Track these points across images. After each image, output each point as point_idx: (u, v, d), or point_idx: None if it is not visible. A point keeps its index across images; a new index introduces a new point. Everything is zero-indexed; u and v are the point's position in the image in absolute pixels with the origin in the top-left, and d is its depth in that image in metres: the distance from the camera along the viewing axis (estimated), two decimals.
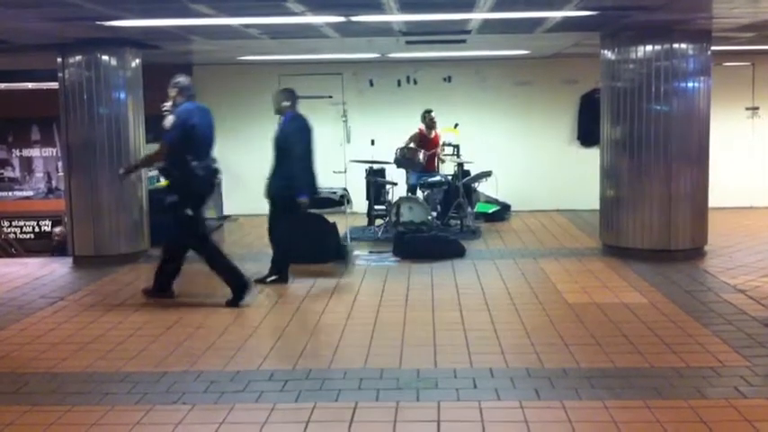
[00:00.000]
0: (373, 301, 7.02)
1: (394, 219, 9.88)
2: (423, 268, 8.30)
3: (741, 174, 12.39)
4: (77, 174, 8.84)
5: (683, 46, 8.37)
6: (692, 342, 5.61)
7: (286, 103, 7.59)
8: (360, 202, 11.00)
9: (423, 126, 11.03)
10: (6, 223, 12.90)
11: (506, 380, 4.86)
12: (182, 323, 6.33)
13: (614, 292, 7.16)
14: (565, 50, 10.97)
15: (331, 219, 8.84)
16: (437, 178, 10.61)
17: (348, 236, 9.43)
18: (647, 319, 6.19)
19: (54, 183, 13.13)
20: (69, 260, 9.01)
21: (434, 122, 11.03)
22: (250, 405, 4.54)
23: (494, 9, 6.77)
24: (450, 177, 10.79)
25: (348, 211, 9.66)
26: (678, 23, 8.07)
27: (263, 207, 7.80)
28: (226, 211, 12.03)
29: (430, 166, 10.84)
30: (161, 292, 7.04)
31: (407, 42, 9.40)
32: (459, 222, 10.63)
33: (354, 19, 7.19)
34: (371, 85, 12.59)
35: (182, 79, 6.90)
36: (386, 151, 10.86)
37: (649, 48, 8.39)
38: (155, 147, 7.22)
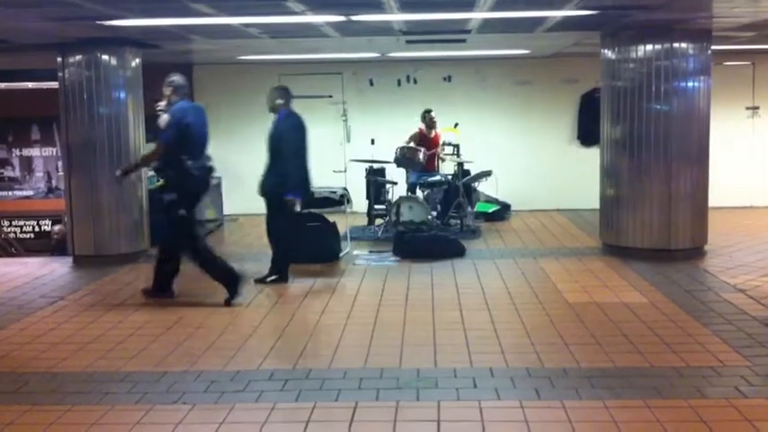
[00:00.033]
0: (373, 300, 7.02)
1: (394, 218, 9.88)
2: (423, 268, 8.30)
3: (741, 173, 12.38)
4: (77, 173, 8.84)
5: (684, 45, 8.36)
6: (692, 342, 5.60)
7: (280, 101, 7.59)
8: (360, 202, 11.00)
9: (423, 126, 11.03)
10: (6, 223, 12.89)
11: (506, 379, 4.86)
12: (182, 323, 6.33)
13: (614, 291, 7.16)
14: (565, 50, 10.96)
15: (331, 218, 8.86)
16: (437, 178, 10.61)
17: (348, 235, 9.43)
18: (648, 319, 6.19)
19: (54, 182, 13.11)
20: (69, 260, 9.01)
21: (434, 122, 11.03)
22: (250, 405, 4.54)
23: (494, 8, 6.77)
24: (450, 177, 10.79)
25: (348, 210, 9.66)
26: (678, 23, 8.06)
27: (264, 207, 7.80)
28: (226, 211, 12.02)
29: (430, 166, 10.84)
30: (161, 291, 7.04)
31: (407, 42, 9.40)
32: (459, 222, 10.62)
33: (354, 18, 7.19)
34: (371, 84, 12.59)
35: (176, 78, 6.90)
36: (386, 151, 10.87)
37: (649, 47, 8.39)
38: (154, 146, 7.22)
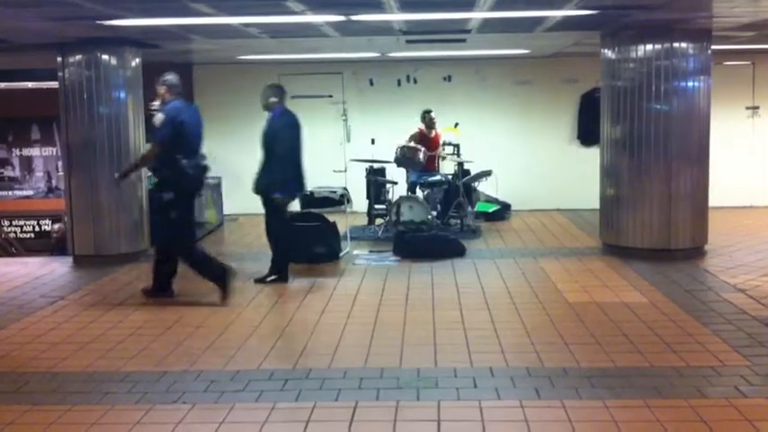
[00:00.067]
0: (373, 300, 7.02)
1: (394, 218, 9.87)
2: (423, 267, 8.30)
3: (741, 173, 12.38)
4: (77, 173, 8.84)
5: (684, 45, 8.36)
6: (692, 341, 5.60)
7: (274, 99, 7.59)
8: (360, 202, 10.99)
9: (423, 126, 11.03)
10: (6, 222, 12.89)
11: (506, 379, 4.86)
12: (182, 323, 6.33)
13: (614, 291, 7.16)
14: (565, 50, 10.96)
15: (331, 218, 8.86)
16: (437, 177, 10.61)
17: (348, 235, 9.43)
18: (648, 319, 6.19)
19: (54, 182, 13.11)
20: (69, 259, 9.01)
21: (434, 122, 11.03)
22: (250, 404, 4.53)
23: (494, 8, 6.77)
24: (450, 177, 10.79)
25: (348, 210, 9.66)
26: (678, 22, 8.06)
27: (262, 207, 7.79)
28: (226, 211, 12.02)
29: (430, 166, 10.84)
30: (161, 291, 7.04)
31: (407, 41, 9.40)
32: (459, 222, 10.62)
33: (354, 18, 7.19)
34: (371, 84, 12.59)
35: (170, 77, 6.90)
36: (386, 150, 10.87)
37: (649, 47, 8.39)
38: (149, 146, 7.22)
